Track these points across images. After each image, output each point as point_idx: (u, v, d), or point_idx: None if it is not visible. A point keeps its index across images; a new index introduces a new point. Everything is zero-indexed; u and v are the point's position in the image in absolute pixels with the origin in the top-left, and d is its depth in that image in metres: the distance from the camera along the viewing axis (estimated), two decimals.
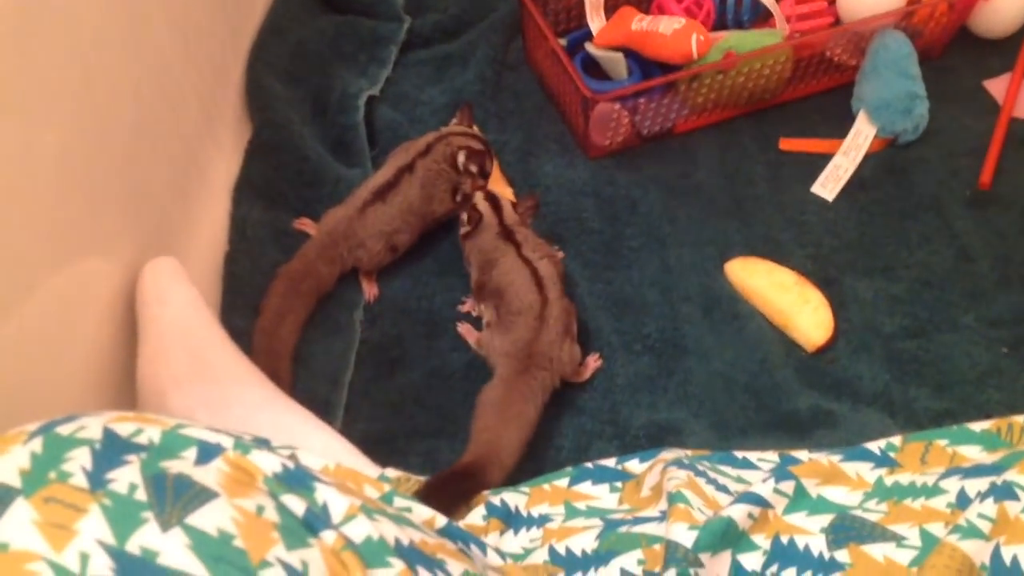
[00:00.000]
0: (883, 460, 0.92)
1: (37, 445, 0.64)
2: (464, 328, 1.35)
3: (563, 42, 1.63)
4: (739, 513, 0.86)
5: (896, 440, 0.95)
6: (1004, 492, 0.79)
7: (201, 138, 1.34)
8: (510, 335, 1.26)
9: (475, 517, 0.96)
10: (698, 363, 1.33)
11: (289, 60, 1.54)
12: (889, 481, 0.89)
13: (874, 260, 1.42)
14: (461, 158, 1.40)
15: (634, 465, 1.04)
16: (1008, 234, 1.44)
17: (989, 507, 0.79)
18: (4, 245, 0.89)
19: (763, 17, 1.63)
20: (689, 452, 1.03)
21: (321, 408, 1.21)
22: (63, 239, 1.00)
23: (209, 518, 0.64)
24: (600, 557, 0.89)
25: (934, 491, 0.86)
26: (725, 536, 0.85)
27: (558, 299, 1.29)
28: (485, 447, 1.15)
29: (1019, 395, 1.29)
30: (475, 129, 1.48)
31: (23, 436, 0.65)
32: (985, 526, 0.78)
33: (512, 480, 1.15)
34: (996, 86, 1.62)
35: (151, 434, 0.69)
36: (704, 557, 0.84)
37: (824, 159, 1.52)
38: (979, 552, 0.77)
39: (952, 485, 0.85)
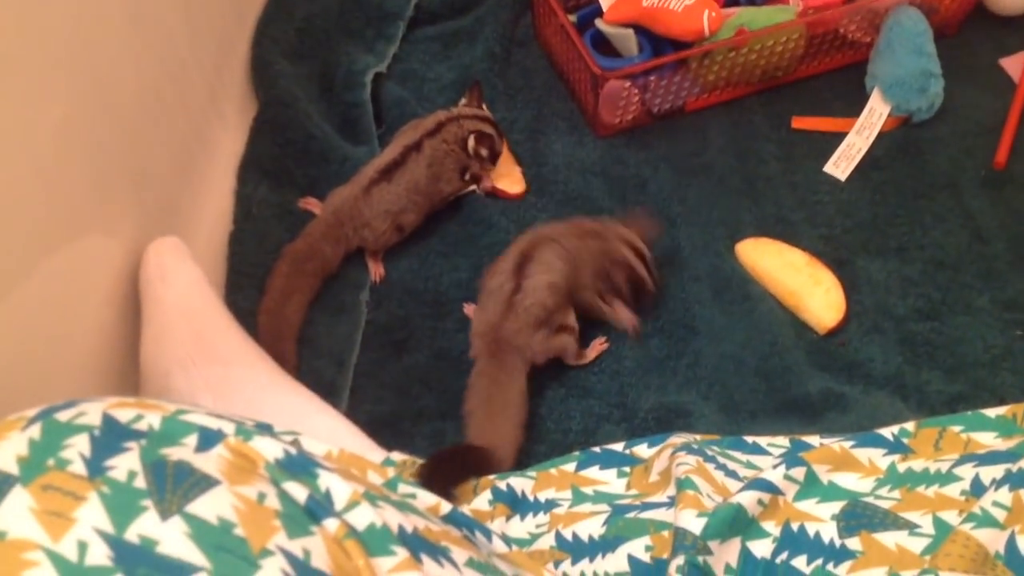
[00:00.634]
0: (896, 446, 0.91)
1: (35, 431, 0.63)
2: (469, 308, 1.34)
3: (573, 18, 1.61)
4: (749, 500, 0.85)
5: (909, 426, 0.93)
6: (1020, 480, 0.78)
7: (206, 115, 1.33)
8: (483, 315, 1.25)
9: (481, 502, 0.95)
10: (708, 345, 1.32)
11: (295, 36, 1.52)
12: (902, 468, 0.88)
13: (887, 241, 1.40)
14: (472, 142, 1.38)
15: (642, 450, 1.02)
16: (1023, 213, 1.42)
17: (1004, 495, 0.77)
18: (4, 223, 0.88)
19: None
20: (698, 437, 1.02)
21: (326, 390, 1.20)
22: (64, 218, 0.98)
23: (209, 506, 0.63)
24: (607, 543, 0.88)
25: (948, 478, 0.84)
26: (734, 523, 0.84)
27: (538, 289, 1.23)
28: (480, 440, 1.15)
29: None
30: (484, 109, 1.46)
31: (21, 422, 0.64)
32: (1000, 514, 0.77)
33: (520, 464, 1.14)
34: (1012, 64, 1.60)
35: (151, 420, 0.68)
36: (713, 544, 0.83)
37: (837, 138, 1.50)
38: (994, 541, 0.75)
39: (966, 472, 0.83)
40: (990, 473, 0.82)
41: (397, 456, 1.02)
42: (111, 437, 0.65)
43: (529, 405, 1.22)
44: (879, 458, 0.90)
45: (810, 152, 1.50)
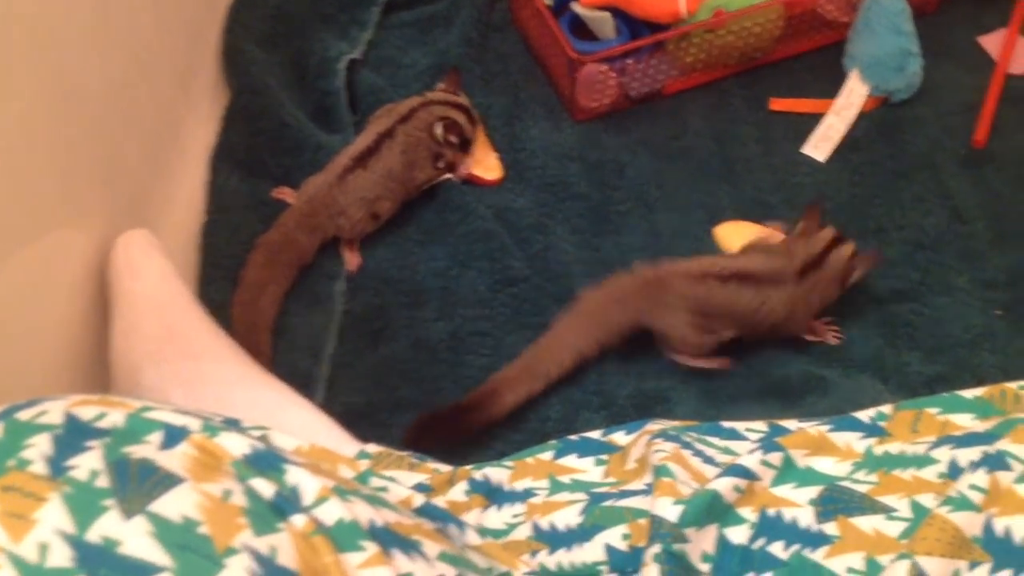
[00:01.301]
0: (873, 429, 0.90)
1: None
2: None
3: (549, 2, 1.58)
4: (725, 486, 0.84)
5: (886, 409, 0.92)
6: (996, 462, 0.77)
7: (176, 105, 1.31)
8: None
9: (458, 493, 0.94)
10: None
11: (268, 23, 1.50)
12: (879, 451, 0.87)
13: (866, 222, 1.40)
14: (439, 130, 1.37)
15: (620, 437, 1.02)
16: (1003, 193, 1.41)
17: (981, 478, 0.77)
18: None
19: None
20: (676, 423, 1.01)
21: (302, 382, 1.19)
22: (30, 212, 0.97)
23: (173, 504, 0.62)
24: (584, 532, 0.88)
25: (925, 461, 0.84)
26: (711, 510, 0.83)
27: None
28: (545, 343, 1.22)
29: (1013, 358, 1.27)
30: (461, 96, 1.45)
31: None
32: (977, 497, 0.76)
33: (500, 453, 1.14)
34: (991, 42, 1.59)
35: (115, 418, 0.67)
36: (689, 532, 0.82)
37: (815, 119, 1.49)
38: (971, 524, 0.75)
39: (943, 455, 0.83)
40: (967, 455, 0.81)
41: (373, 448, 1.01)
42: (73, 436, 0.64)
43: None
44: (856, 441, 0.89)
45: (788, 134, 1.49)
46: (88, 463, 0.62)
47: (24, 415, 0.64)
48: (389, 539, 0.70)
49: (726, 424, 1.01)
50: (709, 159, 1.48)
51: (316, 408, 1.06)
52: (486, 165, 1.45)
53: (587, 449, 1.01)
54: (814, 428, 0.92)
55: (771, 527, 0.82)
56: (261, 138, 1.40)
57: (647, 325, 1.25)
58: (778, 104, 1.52)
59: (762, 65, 1.56)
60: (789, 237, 1.30)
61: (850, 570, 0.78)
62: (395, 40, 1.59)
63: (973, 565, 0.72)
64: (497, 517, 0.93)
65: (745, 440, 0.97)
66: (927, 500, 0.80)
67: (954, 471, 0.81)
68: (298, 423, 1.02)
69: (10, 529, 0.57)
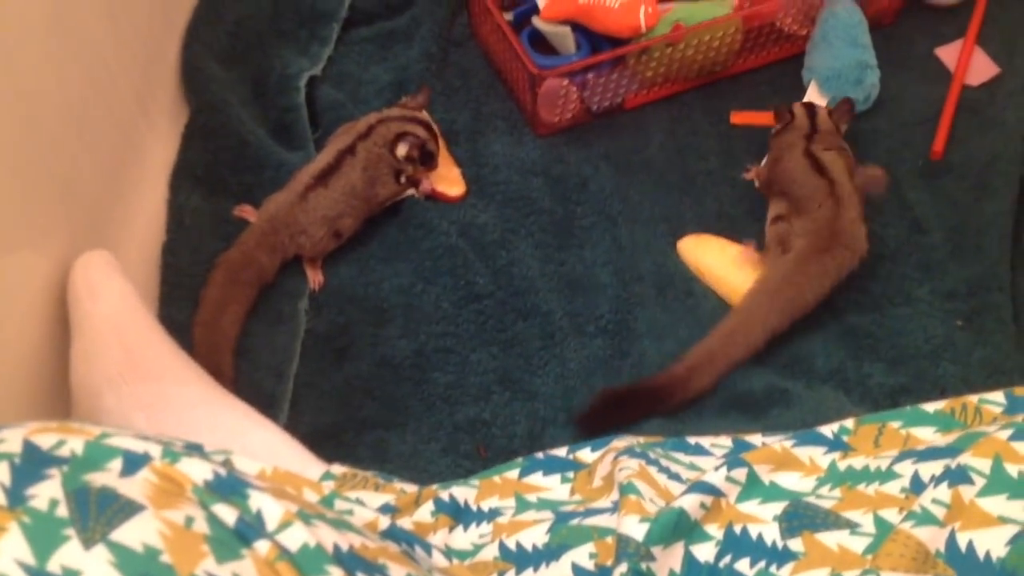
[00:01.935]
0: (836, 444, 0.91)
1: None
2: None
3: (509, 16, 1.59)
4: (691, 503, 0.84)
5: (849, 423, 0.93)
6: (958, 476, 0.78)
7: (135, 123, 1.30)
8: (809, 216, 1.31)
9: (424, 514, 0.93)
10: (652, 344, 1.32)
11: (227, 40, 1.49)
12: (842, 466, 0.88)
13: None
14: (402, 149, 1.36)
15: (585, 454, 1.01)
16: (961, 204, 1.43)
17: (943, 492, 0.77)
18: None
19: None
20: (641, 439, 1.01)
21: (265, 402, 1.18)
22: None
23: (134, 533, 0.61)
24: (551, 551, 0.87)
25: (888, 475, 0.84)
26: (677, 528, 0.83)
27: (847, 181, 1.33)
28: (724, 336, 1.26)
29: (974, 369, 1.28)
30: (423, 112, 1.44)
31: None
32: (939, 512, 0.77)
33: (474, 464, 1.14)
34: (948, 53, 1.61)
35: (74, 445, 0.66)
36: (656, 550, 0.82)
37: None
38: (934, 539, 0.75)
39: (906, 469, 0.83)
40: (929, 469, 0.81)
41: (338, 469, 1.00)
42: (32, 464, 0.63)
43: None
44: (820, 456, 0.89)
45: (749, 146, 1.50)
46: (47, 492, 0.61)
47: None
48: (354, 563, 0.70)
49: (691, 440, 1.01)
50: (671, 172, 1.48)
51: (280, 429, 1.05)
52: (449, 181, 1.45)
53: (553, 467, 1.00)
54: (778, 443, 0.92)
55: (737, 544, 0.82)
56: (221, 156, 1.39)
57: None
58: (738, 117, 1.53)
59: (722, 78, 1.57)
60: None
61: None
62: (355, 56, 1.58)
63: None
64: (464, 538, 0.92)
65: (710, 456, 0.97)
66: (891, 515, 0.80)
67: (917, 485, 0.81)
68: (261, 445, 1.01)
69: None
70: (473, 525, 0.94)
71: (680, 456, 0.97)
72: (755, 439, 0.98)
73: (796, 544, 0.80)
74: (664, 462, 0.94)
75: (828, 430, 0.93)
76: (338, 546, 0.70)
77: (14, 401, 0.99)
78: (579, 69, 1.44)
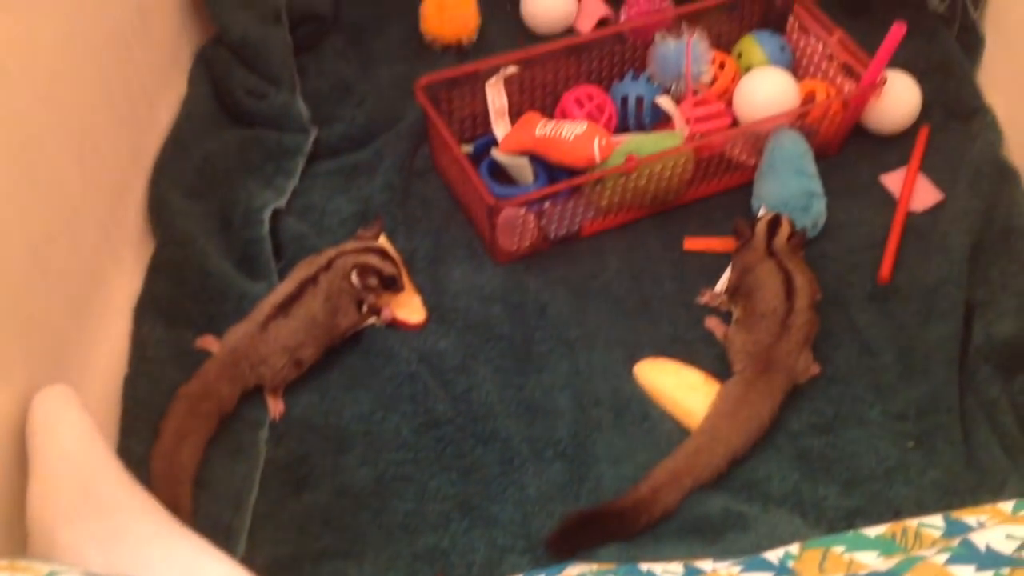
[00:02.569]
0: (781, 570, 0.92)
1: None
2: (712, 322, 1.47)
3: (469, 148, 1.64)
4: None
5: (794, 548, 0.94)
6: None
7: (100, 257, 1.33)
8: (752, 335, 1.37)
9: None
10: (609, 468, 1.33)
11: (194, 175, 1.53)
12: None
13: None
14: (354, 277, 1.39)
15: None
16: (909, 326, 1.46)
17: None
18: None
19: (664, 120, 1.66)
20: (595, 566, 1.02)
21: (223, 534, 1.19)
22: None
23: None
24: None
25: None
26: None
27: (805, 309, 1.39)
28: (688, 455, 1.29)
29: (926, 490, 1.30)
30: (381, 240, 1.48)
31: None
32: None
33: None
34: (892, 180, 1.66)
35: None
36: None
37: (728, 257, 1.54)
38: None
39: None
40: None
41: None
42: None
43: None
44: None
45: (703, 272, 1.54)
46: None
47: None
48: None
49: (643, 566, 1.02)
50: (627, 297, 1.52)
51: (236, 564, 1.05)
52: (410, 308, 1.47)
53: None
54: (726, 569, 0.93)
55: None
56: (185, 288, 1.42)
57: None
58: (692, 243, 1.57)
59: (675, 206, 1.62)
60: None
61: None
62: (319, 188, 1.62)
63: None
64: None
65: None
66: None
67: None
68: None
69: None
70: None
71: None
72: (706, 565, 0.99)
73: None
74: None
75: (774, 556, 0.94)
76: None
77: None
78: (536, 199, 1.48)
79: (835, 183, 1.62)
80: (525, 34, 1.89)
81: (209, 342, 1.37)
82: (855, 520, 1.27)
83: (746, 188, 1.62)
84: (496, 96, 1.64)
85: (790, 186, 1.54)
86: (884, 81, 1.61)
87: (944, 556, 0.83)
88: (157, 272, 1.43)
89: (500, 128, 1.65)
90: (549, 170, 1.58)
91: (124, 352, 1.35)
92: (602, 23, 1.88)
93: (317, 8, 1.81)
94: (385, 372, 1.40)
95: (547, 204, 1.50)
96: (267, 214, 1.51)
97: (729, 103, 1.68)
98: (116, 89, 1.41)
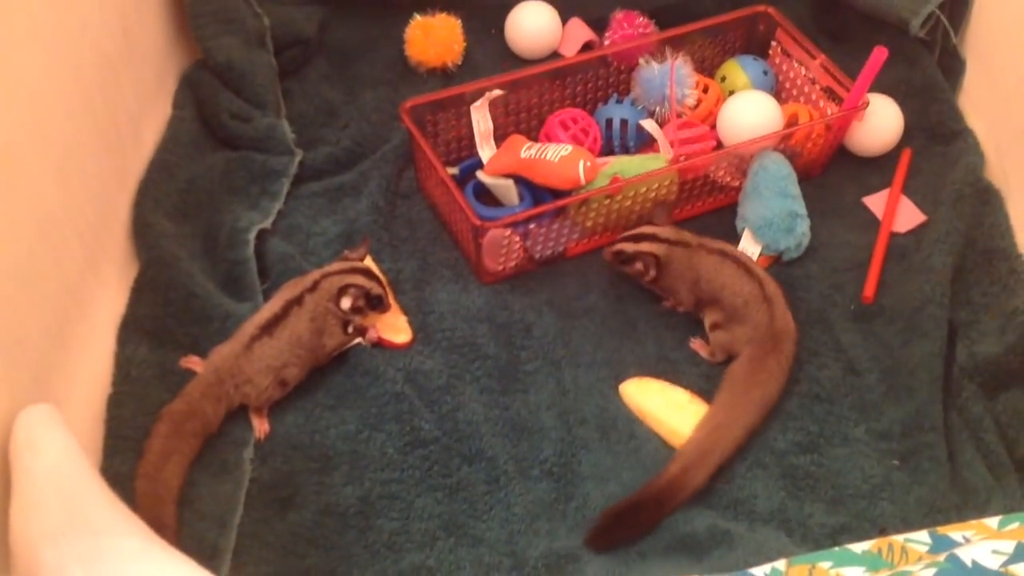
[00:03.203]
0: None
1: None
2: (697, 344, 1.48)
3: (455, 170, 1.65)
4: None
5: (780, 564, 0.94)
6: None
7: (84, 278, 1.32)
8: (746, 325, 1.42)
9: None
10: (595, 487, 1.33)
11: (178, 197, 1.53)
12: None
13: None
14: (346, 303, 1.39)
15: None
16: (893, 346, 1.47)
17: None
18: None
19: (648, 142, 1.67)
20: None
21: (208, 553, 1.18)
22: None
23: None
24: None
25: None
26: None
27: (764, 272, 1.45)
28: (710, 432, 1.33)
29: (911, 508, 1.30)
30: (367, 261, 1.48)
31: None
32: None
33: None
34: (875, 202, 1.68)
35: None
36: None
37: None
38: None
39: None
40: None
41: None
42: None
43: None
44: None
45: None
46: None
47: None
48: None
49: None
50: (612, 318, 1.52)
51: None
52: (395, 328, 1.47)
53: None
54: None
55: None
56: (169, 308, 1.41)
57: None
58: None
59: None
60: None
61: None
62: (305, 209, 1.62)
63: None
64: None
65: None
66: None
67: None
68: None
69: None
70: None
71: None
72: None
73: None
74: None
75: (761, 572, 0.94)
76: None
77: None
78: (522, 220, 1.49)
79: (819, 205, 1.63)
80: (510, 58, 1.90)
81: (194, 362, 1.37)
82: (840, 538, 1.27)
83: (730, 209, 1.63)
84: (481, 119, 1.64)
85: (774, 207, 1.55)
86: (866, 104, 1.62)
87: (931, 571, 0.83)
88: (141, 292, 1.43)
89: (485, 151, 1.66)
90: (534, 192, 1.59)
91: (108, 372, 1.34)
92: (586, 47, 1.90)
93: (302, 32, 1.82)
94: (371, 392, 1.39)
95: (532, 225, 1.50)
96: (252, 235, 1.51)
97: (713, 126, 1.69)
98: (101, 111, 1.41)
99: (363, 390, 1.40)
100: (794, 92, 1.76)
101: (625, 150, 1.68)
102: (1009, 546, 0.87)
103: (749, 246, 1.56)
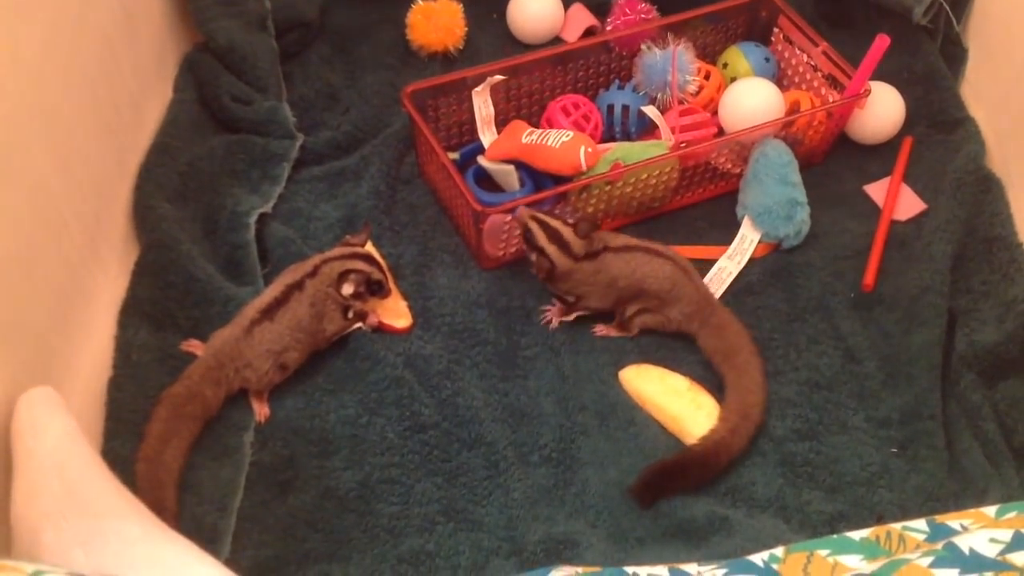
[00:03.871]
0: (766, 572, 0.92)
1: None
2: (602, 329, 1.49)
3: (456, 155, 1.65)
4: None
5: (779, 551, 0.95)
6: None
7: (85, 262, 1.32)
8: (683, 300, 1.44)
9: None
10: (595, 472, 1.33)
11: (179, 180, 1.53)
12: None
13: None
14: (347, 289, 1.39)
15: None
16: (893, 334, 1.47)
17: None
18: None
19: (649, 129, 1.67)
20: (580, 569, 1.02)
21: (208, 536, 1.19)
22: None
23: None
24: None
25: None
26: None
27: (669, 249, 1.48)
28: (741, 395, 1.37)
29: (909, 495, 1.31)
30: (368, 247, 1.48)
31: None
32: None
33: None
34: (876, 190, 1.68)
35: None
36: None
37: (712, 265, 1.55)
38: None
39: None
40: None
41: None
42: None
43: None
44: None
45: None
46: None
47: None
48: None
49: (629, 569, 1.02)
50: None
51: (220, 565, 1.05)
52: (395, 313, 1.48)
53: None
54: (711, 572, 0.93)
55: None
56: (170, 292, 1.41)
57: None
58: (677, 251, 1.57)
59: (660, 214, 1.63)
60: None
61: None
62: (305, 194, 1.62)
63: None
64: None
65: None
66: None
67: None
68: None
69: None
70: None
71: None
72: (690, 568, 0.99)
73: None
74: None
75: (759, 558, 0.94)
76: None
77: None
78: (522, 205, 1.48)
79: (819, 192, 1.63)
80: (512, 43, 1.89)
81: (195, 345, 1.37)
82: (838, 525, 1.28)
83: (731, 196, 1.63)
84: (482, 104, 1.64)
85: (774, 195, 1.55)
86: (868, 92, 1.62)
87: (928, 559, 0.83)
88: (142, 276, 1.43)
89: (486, 136, 1.65)
90: (535, 177, 1.59)
91: (109, 355, 1.34)
92: (588, 33, 1.89)
93: (303, 15, 1.81)
94: (371, 376, 1.40)
95: None
96: (253, 219, 1.51)
97: (714, 113, 1.69)
98: (102, 94, 1.41)
99: (363, 375, 1.40)
100: (796, 79, 1.76)
101: (626, 136, 1.68)
102: (1007, 535, 0.88)
103: (749, 233, 1.56)
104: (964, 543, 0.87)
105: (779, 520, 1.28)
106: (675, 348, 1.47)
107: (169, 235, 1.44)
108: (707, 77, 1.71)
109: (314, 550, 1.24)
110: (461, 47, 1.85)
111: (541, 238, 1.42)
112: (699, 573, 0.95)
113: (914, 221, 1.62)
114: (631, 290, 1.44)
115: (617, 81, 1.73)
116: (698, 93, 1.69)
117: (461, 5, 1.85)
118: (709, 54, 1.79)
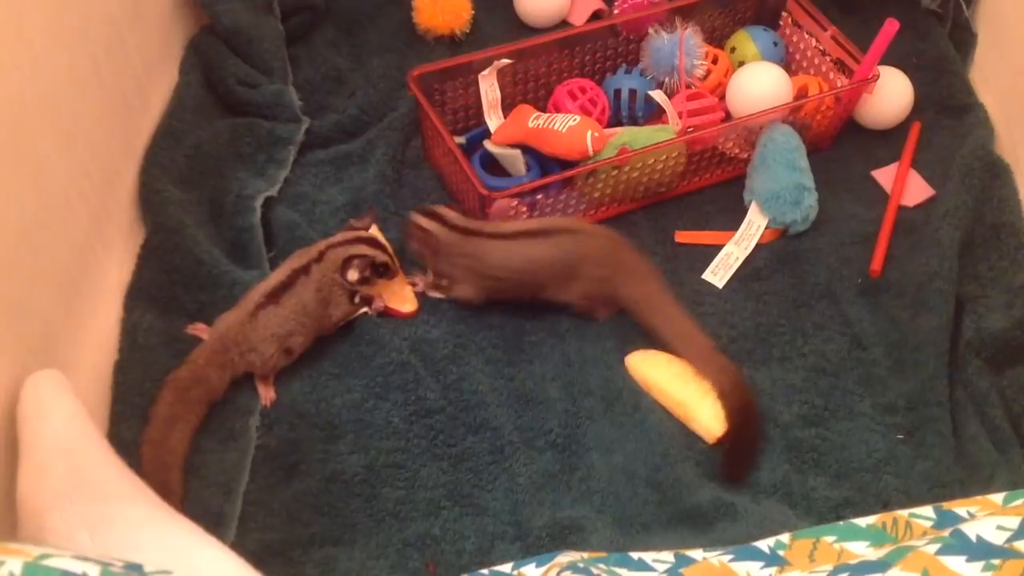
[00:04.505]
0: (772, 558, 0.92)
1: None
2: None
3: (462, 140, 1.64)
4: None
5: (785, 537, 0.95)
6: None
7: (91, 245, 1.32)
8: (581, 278, 1.43)
9: None
10: (600, 458, 1.33)
11: (185, 163, 1.53)
12: None
13: (770, 349, 1.44)
14: (352, 275, 1.39)
15: (530, 570, 1.02)
16: (900, 320, 1.47)
17: None
18: None
19: (656, 113, 1.66)
20: (586, 554, 1.02)
21: (214, 519, 1.19)
22: None
23: None
24: None
25: None
26: None
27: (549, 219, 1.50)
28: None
29: (915, 482, 1.31)
30: (372, 231, 1.48)
31: None
32: None
33: None
34: (884, 176, 1.67)
35: (12, 566, 0.67)
36: None
37: (719, 251, 1.55)
38: None
39: None
40: None
41: None
42: None
43: None
44: (757, 571, 0.91)
45: (694, 265, 1.54)
46: None
47: None
48: None
49: (634, 555, 1.02)
50: None
51: (226, 548, 1.05)
52: (401, 298, 1.47)
53: None
54: (717, 558, 0.93)
55: None
56: (176, 275, 1.41)
57: None
58: (683, 237, 1.57)
59: (668, 199, 1.62)
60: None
61: None
62: (311, 177, 1.62)
63: None
64: None
65: (652, 571, 0.98)
66: None
67: None
68: (207, 565, 1.00)
69: None
70: None
71: (623, 571, 0.98)
72: (696, 554, 0.99)
73: None
74: None
75: (765, 544, 0.94)
76: None
77: None
78: (529, 190, 1.48)
79: (827, 178, 1.62)
80: (519, 26, 1.89)
81: (200, 329, 1.37)
82: (844, 511, 1.28)
83: (738, 181, 1.63)
84: (489, 88, 1.63)
85: (781, 180, 1.54)
86: (877, 77, 1.61)
87: (935, 546, 0.83)
88: (148, 259, 1.43)
89: (493, 120, 1.65)
90: (542, 162, 1.59)
91: (115, 338, 1.34)
92: (596, 16, 1.88)
93: None
94: (376, 361, 1.40)
95: (539, 196, 1.50)
96: (259, 202, 1.51)
97: (722, 97, 1.68)
98: (107, 77, 1.41)
99: (369, 359, 1.40)
100: (804, 64, 1.75)
101: (633, 121, 1.67)
102: (1014, 522, 0.87)
103: (756, 218, 1.56)
104: (971, 530, 0.87)
105: (785, 506, 1.28)
106: None
107: (175, 218, 1.44)
108: (715, 61, 1.70)
109: (319, 534, 1.24)
110: (468, 30, 1.84)
111: (422, 220, 1.44)
112: (705, 559, 0.95)
113: (922, 207, 1.62)
114: (515, 280, 1.44)
115: (624, 65, 1.72)
116: (706, 77, 1.69)
117: None
118: (717, 38, 1.78)
